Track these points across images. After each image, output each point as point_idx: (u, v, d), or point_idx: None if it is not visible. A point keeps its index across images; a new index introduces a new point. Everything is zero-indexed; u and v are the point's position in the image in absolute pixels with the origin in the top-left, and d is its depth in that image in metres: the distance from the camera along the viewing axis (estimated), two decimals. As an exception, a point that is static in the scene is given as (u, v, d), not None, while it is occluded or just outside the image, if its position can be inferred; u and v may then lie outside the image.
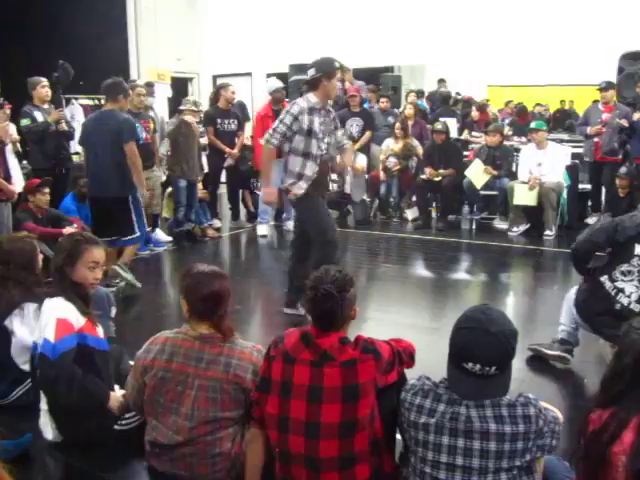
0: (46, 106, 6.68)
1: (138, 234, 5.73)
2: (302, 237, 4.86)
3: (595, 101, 8.64)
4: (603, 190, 8.16)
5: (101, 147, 5.54)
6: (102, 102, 7.96)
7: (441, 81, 12.03)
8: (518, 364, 3.85)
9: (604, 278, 3.63)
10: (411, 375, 2.38)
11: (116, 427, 2.90)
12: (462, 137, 10.06)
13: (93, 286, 3.14)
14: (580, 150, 8.46)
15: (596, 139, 7.79)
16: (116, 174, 5.52)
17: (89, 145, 5.73)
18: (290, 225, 8.17)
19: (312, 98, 4.62)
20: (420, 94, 11.02)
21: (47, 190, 6.00)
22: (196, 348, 2.58)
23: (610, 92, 7.78)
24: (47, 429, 2.93)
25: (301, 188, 4.63)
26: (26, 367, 3.28)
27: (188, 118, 7.33)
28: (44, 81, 6.65)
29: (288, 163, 4.68)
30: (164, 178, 7.64)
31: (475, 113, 10.47)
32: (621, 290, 3.55)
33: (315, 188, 4.69)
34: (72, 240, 3.10)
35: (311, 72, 4.64)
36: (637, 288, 3.54)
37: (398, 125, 8.64)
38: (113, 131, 5.48)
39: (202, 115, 8.19)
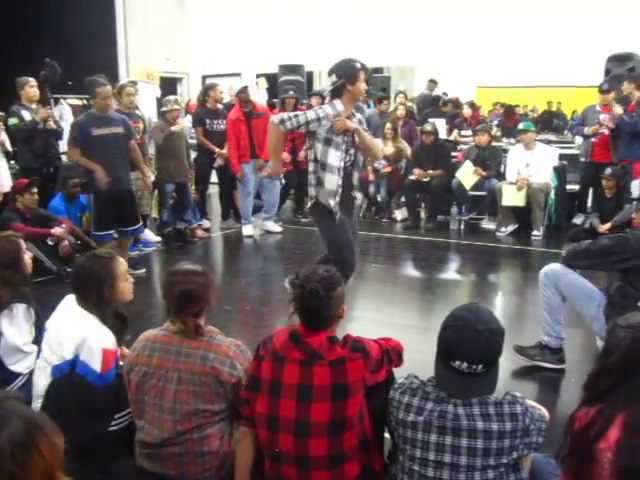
0: (34, 106, 6.65)
1: (140, 224, 6.27)
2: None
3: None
4: (590, 191, 8.20)
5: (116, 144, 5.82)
6: (90, 102, 7.99)
7: (432, 82, 12.05)
8: (505, 362, 3.88)
9: None
10: (400, 374, 2.40)
11: (111, 428, 2.89)
12: (451, 138, 10.09)
13: (131, 294, 3.08)
14: (568, 151, 8.51)
15: (593, 139, 7.79)
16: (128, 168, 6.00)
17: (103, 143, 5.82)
18: (269, 225, 8.18)
19: (339, 106, 4.33)
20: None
21: (35, 190, 5.99)
22: (175, 342, 2.60)
23: (612, 94, 7.80)
24: None
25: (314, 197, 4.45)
26: (15, 368, 3.26)
27: (176, 128, 7.31)
28: (32, 81, 6.63)
29: (309, 172, 4.47)
30: (153, 178, 7.62)
31: (467, 111, 10.52)
32: None
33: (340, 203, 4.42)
34: (100, 265, 2.93)
35: (332, 79, 4.35)
36: None
37: (389, 126, 8.66)
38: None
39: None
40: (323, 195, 4.39)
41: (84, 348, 2.78)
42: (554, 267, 3.91)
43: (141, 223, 6.29)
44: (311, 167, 4.46)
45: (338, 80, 4.31)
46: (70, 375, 2.79)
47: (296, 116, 4.31)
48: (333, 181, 4.37)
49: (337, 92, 4.35)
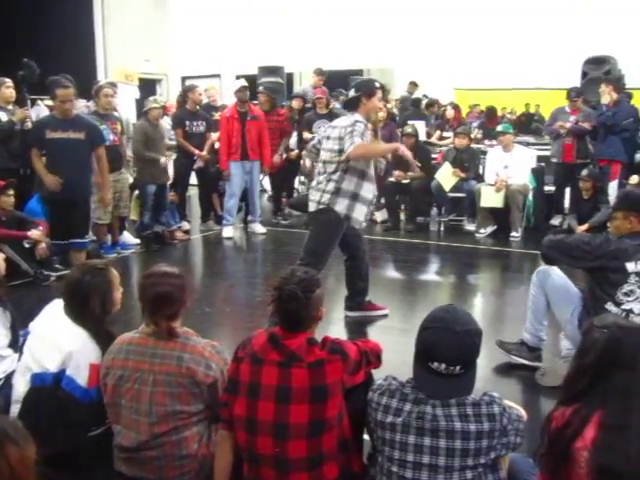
0: (10, 107, 6.56)
1: (91, 237, 5.78)
2: (342, 241, 4.72)
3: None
4: (567, 192, 8.27)
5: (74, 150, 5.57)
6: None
7: (412, 84, 12.08)
8: (483, 363, 3.90)
9: (609, 305, 3.52)
10: (379, 375, 2.40)
11: (90, 434, 2.86)
12: (432, 140, 10.13)
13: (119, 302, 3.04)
14: (546, 153, 8.59)
15: (568, 141, 7.86)
16: (87, 176, 5.62)
17: (58, 148, 5.64)
18: (255, 227, 8.18)
19: (359, 117, 4.49)
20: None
21: (12, 192, 5.92)
22: (150, 344, 2.58)
23: (580, 100, 7.90)
24: None
25: (351, 209, 4.49)
26: None
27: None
28: (8, 82, 6.53)
29: (343, 182, 4.47)
30: (132, 180, 7.57)
31: (450, 112, 10.57)
32: (630, 311, 3.48)
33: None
34: (100, 277, 2.86)
35: (351, 93, 4.65)
36: None
37: (369, 126, 8.66)
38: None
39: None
40: (357, 204, 4.49)
41: (71, 362, 2.72)
42: (546, 268, 3.93)
43: (88, 238, 5.83)
44: (323, 176, 4.50)
45: (355, 93, 4.56)
46: (55, 388, 2.73)
47: (358, 134, 4.37)
48: (371, 189, 4.59)
49: (352, 104, 4.58)
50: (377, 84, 4.67)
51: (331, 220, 4.50)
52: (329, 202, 4.46)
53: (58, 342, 2.77)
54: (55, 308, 2.91)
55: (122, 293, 2.99)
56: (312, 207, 4.58)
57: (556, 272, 3.88)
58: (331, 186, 4.46)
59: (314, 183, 4.65)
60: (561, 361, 3.83)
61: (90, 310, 2.80)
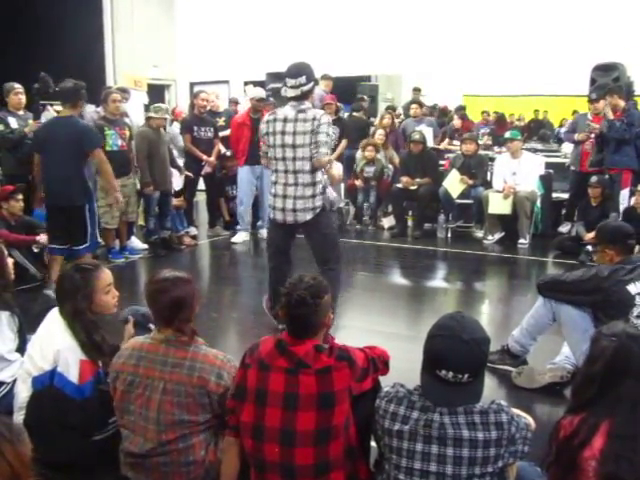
0: (21, 112, 6.59)
1: (88, 243, 5.61)
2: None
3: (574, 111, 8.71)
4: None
5: (60, 155, 5.42)
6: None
7: (416, 90, 12.11)
8: (490, 370, 3.90)
9: None
10: (386, 382, 2.40)
11: (95, 438, 2.86)
12: (441, 146, 10.11)
13: (115, 306, 3.05)
14: (554, 159, 8.56)
15: (587, 147, 7.81)
16: (74, 182, 5.46)
17: (46, 152, 5.56)
18: (265, 233, 8.17)
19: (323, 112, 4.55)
20: (392, 108, 11.03)
21: (20, 197, 5.95)
22: (161, 352, 2.57)
23: (601, 103, 7.85)
24: None
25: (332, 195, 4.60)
26: None
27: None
28: (18, 88, 6.56)
29: (319, 178, 4.45)
30: (139, 186, 7.59)
31: (457, 121, 10.54)
32: None
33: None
34: (78, 276, 2.89)
35: (302, 80, 4.33)
36: None
37: (381, 132, 8.77)
38: (73, 139, 5.40)
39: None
40: (330, 189, 4.58)
41: (60, 359, 2.75)
42: None
43: (86, 244, 5.66)
44: (318, 177, 4.45)
45: (308, 82, 4.35)
46: (50, 386, 2.75)
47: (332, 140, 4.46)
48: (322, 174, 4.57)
49: (308, 94, 4.38)
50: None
51: (331, 216, 4.65)
52: (323, 202, 4.48)
53: (50, 340, 2.81)
54: (54, 313, 2.94)
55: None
56: (309, 215, 4.44)
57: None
58: (318, 188, 4.45)
59: (296, 191, 4.42)
60: (548, 366, 3.82)
61: (73, 307, 2.83)
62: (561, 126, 12.14)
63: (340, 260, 4.68)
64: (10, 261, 3.51)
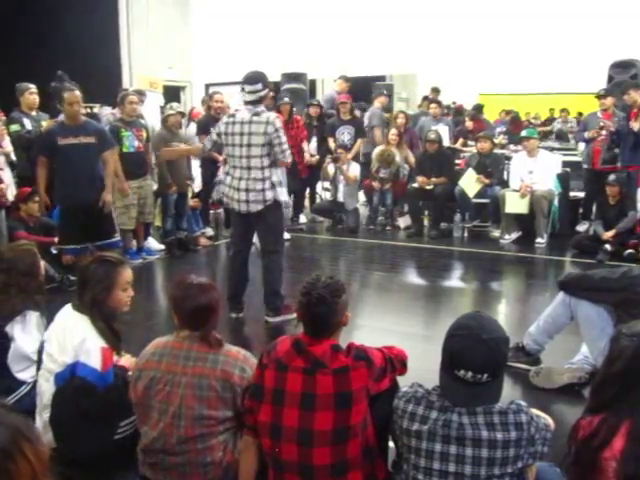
0: (34, 113, 6.63)
1: (119, 237, 5.94)
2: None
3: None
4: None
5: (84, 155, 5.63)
6: (94, 110, 7.95)
7: (434, 90, 12.05)
8: (509, 370, 3.87)
9: None
10: (404, 382, 2.39)
11: (115, 437, 2.88)
12: (456, 146, 10.07)
13: (127, 306, 3.08)
14: (571, 158, 8.49)
15: (598, 144, 7.75)
16: (99, 181, 5.73)
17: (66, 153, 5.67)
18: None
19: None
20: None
21: (38, 198, 5.98)
22: (185, 347, 2.60)
23: (609, 99, 7.78)
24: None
25: (283, 195, 4.92)
26: (21, 375, 3.26)
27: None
28: (32, 88, 6.61)
29: (273, 175, 4.81)
30: (156, 187, 7.63)
31: (469, 123, 10.51)
32: None
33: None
34: (103, 268, 2.95)
35: (257, 87, 4.75)
36: None
37: (394, 132, 8.73)
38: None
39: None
40: (283, 189, 4.95)
41: (82, 350, 2.78)
42: None
43: (117, 238, 5.92)
44: (267, 174, 4.77)
45: (264, 88, 4.79)
46: (71, 379, 2.79)
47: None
48: (279, 173, 4.93)
49: (262, 99, 4.81)
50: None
51: (280, 211, 4.99)
52: (274, 196, 4.79)
53: (71, 335, 2.83)
54: (65, 312, 2.97)
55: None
56: (260, 206, 4.78)
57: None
58: (267, 183, 4.77)
59: (248, 184, 4.78)
60: (566, 366, 3.80)
61: (92, 296, 2.88)
62: (578, 123, 12.05)
63: (281, 252, 5.10)
64: (42, 263, 3.57)
